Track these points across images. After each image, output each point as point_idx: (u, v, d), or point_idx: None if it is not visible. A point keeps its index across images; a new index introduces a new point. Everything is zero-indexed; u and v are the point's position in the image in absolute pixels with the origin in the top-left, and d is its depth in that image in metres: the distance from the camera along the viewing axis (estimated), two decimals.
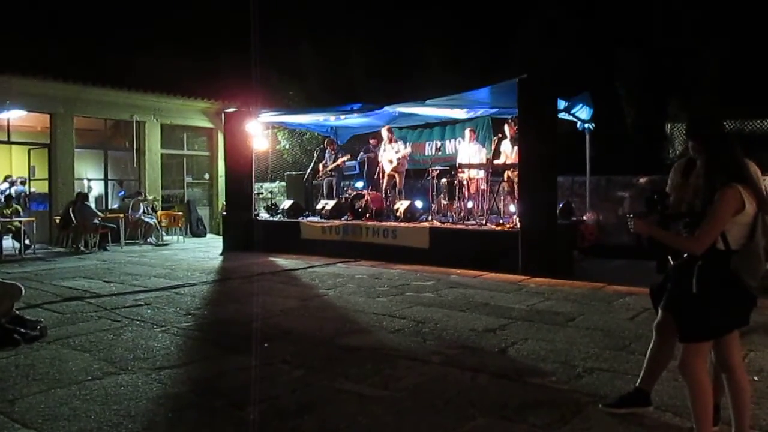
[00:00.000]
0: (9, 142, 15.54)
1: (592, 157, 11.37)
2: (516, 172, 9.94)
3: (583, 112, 10.87)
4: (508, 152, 10.66)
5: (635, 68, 13.90)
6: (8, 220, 12.79)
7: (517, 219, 9.40)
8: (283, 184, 16.61)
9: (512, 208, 10.28)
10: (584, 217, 10.99)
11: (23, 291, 5.81)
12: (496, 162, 10.81)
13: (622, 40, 14.01)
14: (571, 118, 10.83)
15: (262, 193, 16.00)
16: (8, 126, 15.02)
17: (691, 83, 13.18)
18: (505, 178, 10.80)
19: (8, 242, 12.85)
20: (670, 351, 3.37)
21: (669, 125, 13.36)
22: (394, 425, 3.51)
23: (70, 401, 3.86)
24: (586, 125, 11.24)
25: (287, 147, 17.81)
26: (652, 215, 3.25)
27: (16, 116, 14.95)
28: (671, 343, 3.30)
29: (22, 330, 5.39)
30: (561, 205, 9.97)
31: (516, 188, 10.03)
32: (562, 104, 9.76)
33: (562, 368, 4.43)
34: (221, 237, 13.75)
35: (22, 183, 15.66)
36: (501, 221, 10.08)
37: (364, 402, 3.85)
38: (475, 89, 9.95)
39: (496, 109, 11.56)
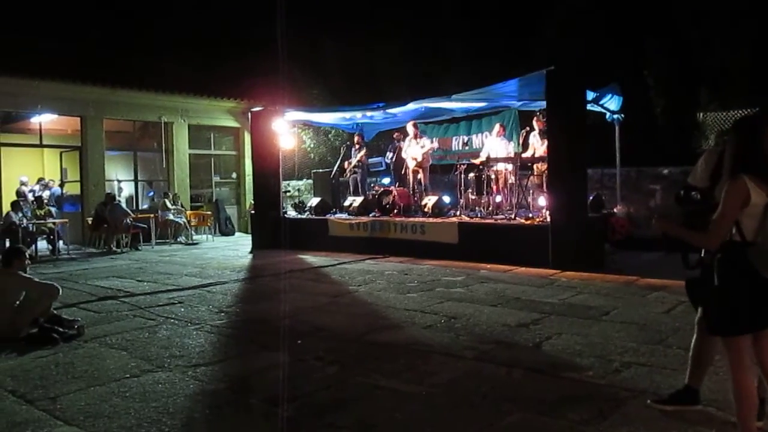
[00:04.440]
0: (41, 146, 15.86)
1: (622, 149, 11.20)
2: (545, 166, 9.84)
3: (612, 103, 10.72)
4: (537, 145, 10.56)
5: (664, 57, 13.66)
6: (42, 221, 13.05)
7: (547, 213, 9.31)
8: (310, 181, 16.67)
9: (541, 201, 10.18)
10: (615, 210, 10.82)
11: (60, 291, 5.91)
12: (524, 155, 10.72)
13: (649, 28, 13.78)
14: (599, 109, 10.69)
15: (289, 191, 16.09)
16: (40, 129, 15.33)
17: (720, 70, 12.91)
18: (534, 172, 10.70)
19: (42, 243, 13.11)
20: (713, 346, 3.30)
21: (701, 114, 13.09)
22: (431, 421, 3.50)
23: (110, 398, 3.91)
24: (615, 116, 11.08)
25: (312, 146, 17.88)
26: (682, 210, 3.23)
27: (47, 120, 15.25)
28: (713, 337, 3.23)
29: (61, 329, 5.50)
30: (591, 197, 9.84)
31: (545, 181, 9.93)
32: (590, 95, 9.64)
33: (598, 363, 4.37)
34: (249, 235, 13.85)
35: (58, 185, 15.97)
36: (530, 215, 9.98)
37: (399, 398, 3.84)
38: (502, 82, 9.86)
39: (523, 102, 11.47)
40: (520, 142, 11.11)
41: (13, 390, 4.13)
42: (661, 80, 13.78)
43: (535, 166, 10.66)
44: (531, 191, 10.69)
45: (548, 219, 9.09)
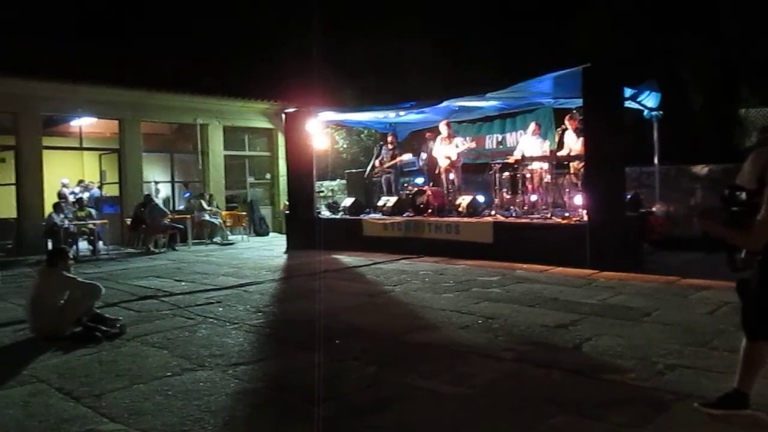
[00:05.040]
0: (81, 148, 16.23)
1: (660, 146, 10.98)
2: (581, 164, 9.70)
3: (649, 100, 10.52)
4: (572, 144, 10.42)
5: (702, 51, 13.37)
6: (82, 222, 13.35)
7: (584, 212, 9.18)
8: (344, 181, 16.74)
9: (577, 200, 10.04)
10: (653, 209, 10.63)
11: (103, 291, 6.04)
12: (559, 154, 10.59)
13: (687, 21, 13.50)
14: (637, 106, 10.51)
15: (322, 192, 16.17)
16: (80, 133, 15.70)
17: (762, 63, 12.56)
18: (571, 170, 10.56)
19: (83, 244, 13.41)
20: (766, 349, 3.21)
21: (742, 110, 12.76)
22: (472, 423, 3.48)
23: (153, 396, 3.98)
24: (653, 113, 10.87)
25: (345, 146, 17.94)
26: (725, 211, 3.15)
27: (87, 123, 15.60)
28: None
29: (103, 328, 5.62)
30: (629, 196, 9.65)
31: (581, 180, 9.80)
32: (628, 92, 9.49)
33: (641, 365, 4.29)
34: (284, 235, 13.96)
35: (98, 187, 16.32)
36: (566, 214, 9.86)
37: (438, 399, 3.82)
38: (537, 79, 9.75)
39: (558, 100, 11.34)
40: (556, 140, 10.97)
41: (60, 387, 4.23)
42: (699, 75, 13.49)
43: (571, 165, 10.52)
44: (567, 190, 10.55)
45: (585, 218, 8.97)
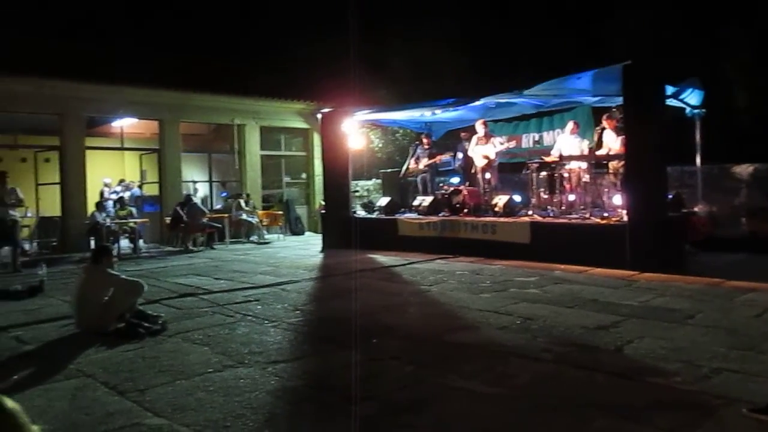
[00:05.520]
0: (122, 148, 16.60)
1: (703, 145, 10.73)
2: (620, 163, 9.54)
3: (692, 98, 10.30)
4: (612, 143, 10.26)
5: (745, 48, 13.02)
6: (123, 221, 13.65)
7: (623, 212, 9.02)
8: (379, 181, 16.77)
9: (616, 200, 9.88)
10: (696, 209, 10.39)
11: (145, 288, 6.16)
12: (598, 153, 10.43)
13: (730, 16, 13.16)
14: (679, 104, 10.27)
15: (358, 191, 16.22)
16: (122, 133, 16.05)
17: None
18: (610, 170, 10.40)
19: (124, 242, 13.70)
20: None
21: None
22: (511, 424, 3.44)
23: (195, 392, 4.04)
24: (696, 111, 10.62)
25: (380, 146, 17.97)
26: None
27: (128, 124, 15.95)
28: None
29: (146, 324, 5.73)
30: (670, 196, 9.47)
31: (621, 180, 9.63)
32: (669, 90, 9.28)
33: (685, 368, 4.20)
34: (319, 235, 14.04)
35: (138, 186, 16.67)
36: (605, 214, 9.70)
37: (478, 399, 3.80)
38: (575, 76, 9.62)
39: (597, 98, 11.17)
40: (595, 139, 10.80)
41: (105, 381, 4.32)
42: (744, 72, 13.14)
43: (610, 164, 10.35)
44: (606, 190, 10.39)
45: (625, 218, 8.82)
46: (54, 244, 13.92)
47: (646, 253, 8.26)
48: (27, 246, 13.26)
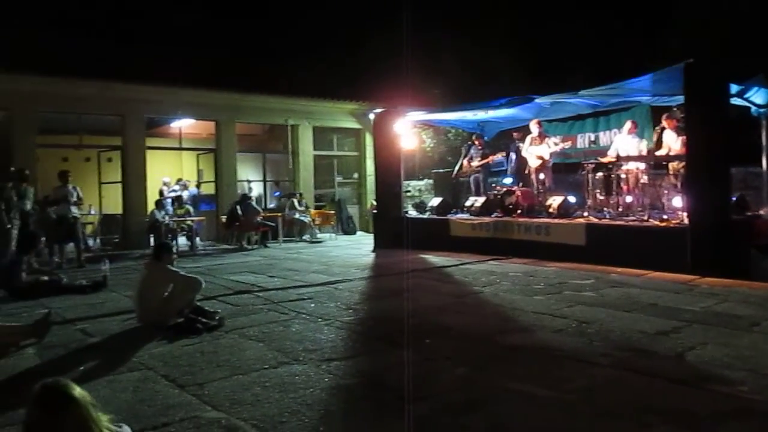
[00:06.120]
0: (180, 148, 17.06)
1: None
2: (682, 164, 9.26)
3: (758, 97, 9.90)
4: (672, 143, 9.96)
5: None
6: (181, 219, 14.03)
7: (684, 214, 8.75)
8: (431, 181, 16.73)
9: (676, 202, 9.58)
10: (761, 212, 9.98)
11: (203, 284, 6.31)
12: (658, 153, 10.14)
13: None
14: (743, 103, 9.90)
15: (409, 191, 16.22)
16: (180, 133, 16.50)
17: None
18: (670, 171, 10.10)
19: (181, 240, 14.08)
20: None
21: None
22: (568, 428, 3.39)
23: (252, 387, 4.12)
24: (762, 110, 10.21)
25: (432, 146, 17.93)
26: None
27: (185, 124, 16.38)
28: None
29: (203, 320, 5.87)
30: (734, 198, 9.12)
31: (682, 181, 9.34)
32: (734, 89, 8.96)
33: (752, 377, 4.04)
34: (371, 234, 14.11)
35: (195, 185, 17.10)
36: (665, 217, 9.43)
37: (533, 403, 3.75)
38: (635, 78, 9.39)
39: (656, 97, 10.87)
40: (654, 139, 10.51)
41: (166, 375, 4.45)
42: None
43: (670, 165, 10.05)
44: (665, 191, 10.09)
45: (686, 221, 8.55)
46: (116, 240, 14.43)
47: (708, 257, 7.99)
48: (91, 242, 13.78)
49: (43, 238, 9.65)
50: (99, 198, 15.09)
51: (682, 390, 3.89)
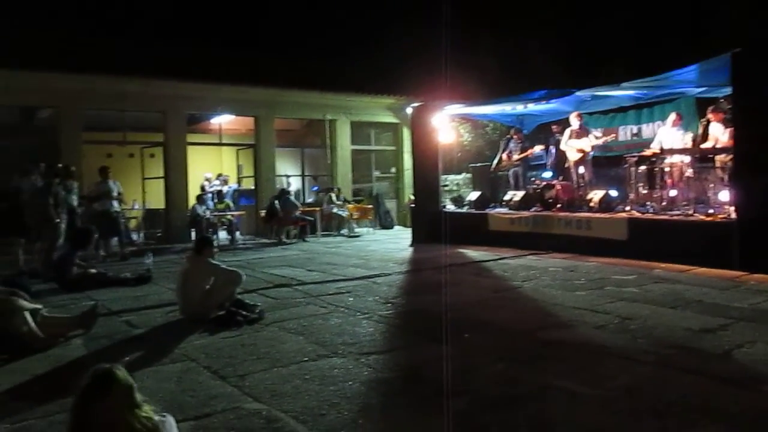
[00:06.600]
0: (220, 144, 17.31)
1: None
2: (729, 157, 8.99)
3: None
4: (719, 135, 9.67)
5: None
6: (221, 214, 14.24)
7: (732, 208, 8.50)
8: (469, 175, 16.63)
9: (722, 196, 9.31)
10: None
11: (244, 278, 6.40)
12: (703, 146, 9.87)
13: None
14: None
15: (447, 185, 16.15)
16: (220, 129, 16.74)
17: None
18: (716, 164, 9.81)
19: (222, 234, 14.30)
20: None
21: None
22: (611, 426, 3.32)
23: (291, 380, 4.16)
24: None
25: (470, 139, 17.80)
26: None
27: (225, 120, 16.60)
28: None
29: (244, 312, 5.95)
30: None
31: (729, 175, 9.07)
32: None
33: None
34: (408, 229, 14.10)
35: (236, 181, 17.34)
36: (710, 211, 9.17)
37: (575, 399, 3.69)
38: (679, 69, 9.15)
39: (702, 88, 10.57)
40: (700, 131, 10.23)
41: (208, 366, 4.53)
42: None
43: (717, 158, 9.77)
44: (711, 185, 9.81)
45: (733, 215, 8.30)
46: (158, 234, 14.74)
47: (756, 253, 7.73)
48: (134, 236, 14.10)
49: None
50: (142, 193, 15.42)
51: (730, 389, 3.79)
